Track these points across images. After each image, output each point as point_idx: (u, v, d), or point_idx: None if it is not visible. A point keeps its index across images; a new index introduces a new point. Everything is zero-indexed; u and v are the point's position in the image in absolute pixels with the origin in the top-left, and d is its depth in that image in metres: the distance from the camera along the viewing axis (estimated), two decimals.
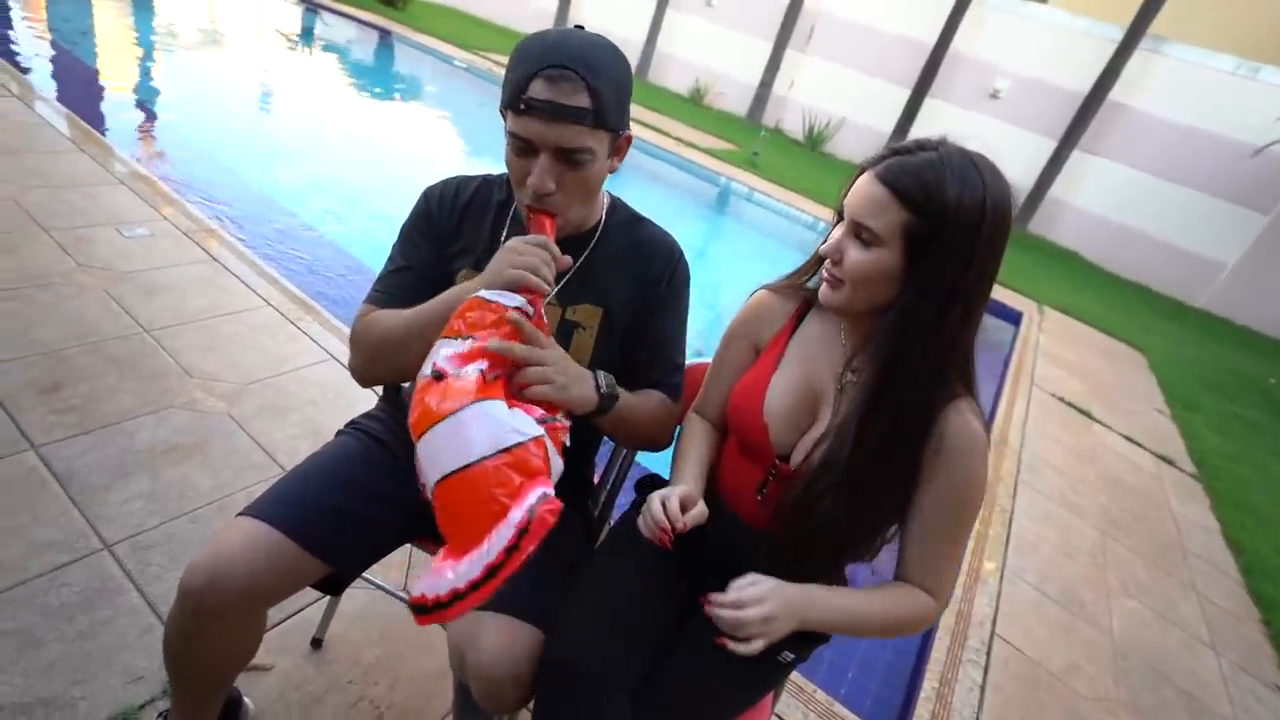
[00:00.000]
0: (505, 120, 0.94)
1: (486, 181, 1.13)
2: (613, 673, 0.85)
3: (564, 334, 1.06)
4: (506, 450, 0.70)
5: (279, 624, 1.45)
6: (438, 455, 0.71)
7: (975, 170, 0.83)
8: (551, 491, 0.71)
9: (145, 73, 5.68)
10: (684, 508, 0.88)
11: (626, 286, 1.09)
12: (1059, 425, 4.14)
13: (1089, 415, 4.47)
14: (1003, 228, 0.84)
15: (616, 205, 1.15)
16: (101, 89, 4.88)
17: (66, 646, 1.29)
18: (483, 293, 0.82)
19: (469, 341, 0.78)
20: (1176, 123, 10.30)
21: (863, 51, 12.53)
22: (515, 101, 0.89)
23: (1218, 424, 5.26)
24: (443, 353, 0.78)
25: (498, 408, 0.73)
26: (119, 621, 1.36)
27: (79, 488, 1.60)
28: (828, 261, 0.91)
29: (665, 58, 14.09)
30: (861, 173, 0.89)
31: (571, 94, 0.88)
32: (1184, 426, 4.93)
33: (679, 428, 1.15)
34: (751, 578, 0.88)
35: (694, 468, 1.03)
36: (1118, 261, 10.82)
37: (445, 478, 0.70)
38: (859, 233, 0.86)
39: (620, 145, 1.01)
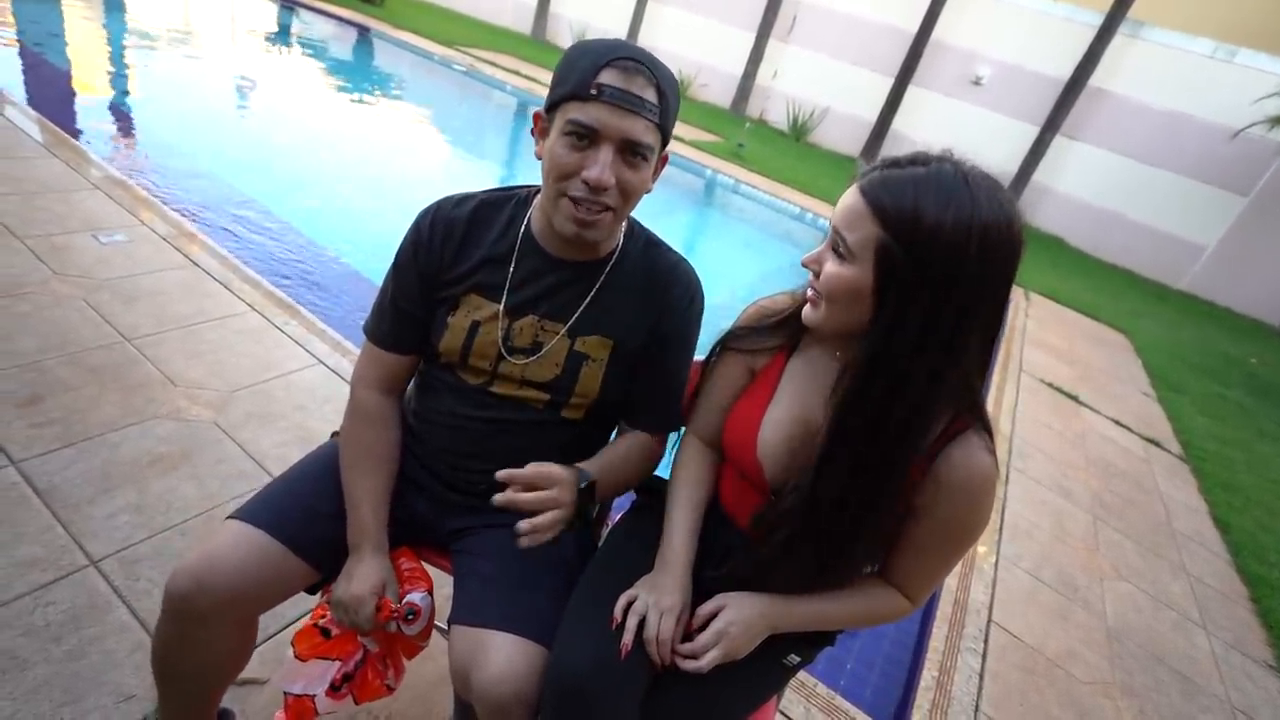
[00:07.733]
0: (555, 115, 0.91)
1: (486, 202, 1.06)
2: (621, 690, 0.84)
3: (572, 366, 1.03)
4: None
5: (272, 636, 1.42)
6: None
7: (966, 189, 0.74)
8: None
9: (118, 75, 5.56)
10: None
11: (639, 318, 1.05)
12: (1049, 410, 4.17)
13: (1077, 400, 4.51)
14: (996, 257, 0.75)
15: (634, 229, 1.09)
16: (73, 93, 4.77)
17: (54, 667, 1.26)
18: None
19: (335, 665, 1.03)
20: (1156, 107, 10.40)
21: (845, 40, 12.53)
22: (584, 88, 0.87)
23: (1203, 405, 5.32)
24: (301, 683, 1.03)
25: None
26: (108, 640, 1.33)
27: (62, 503, 1.57)
28: (810, 276, 0.87)
29: (647, 49, 13.92)
30: (852, 182, 0.84)
31: (643, 87, 0.89)
32: (1170, 409, 4.99)
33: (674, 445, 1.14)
34: (713, 605, 0.91)
35: (687, 516, 0.99)
36: (1101, 246, 10.93)
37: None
38: (836, 245, 0.82)
39: (660, 162, 0.98)
